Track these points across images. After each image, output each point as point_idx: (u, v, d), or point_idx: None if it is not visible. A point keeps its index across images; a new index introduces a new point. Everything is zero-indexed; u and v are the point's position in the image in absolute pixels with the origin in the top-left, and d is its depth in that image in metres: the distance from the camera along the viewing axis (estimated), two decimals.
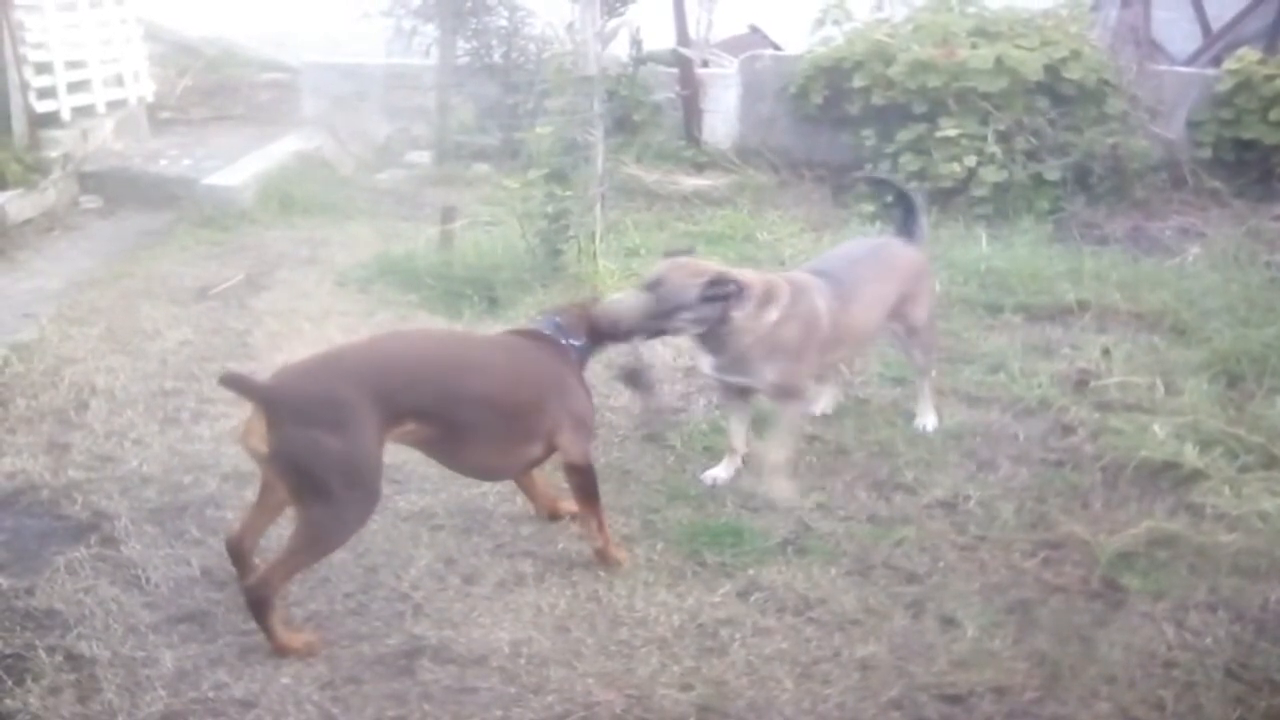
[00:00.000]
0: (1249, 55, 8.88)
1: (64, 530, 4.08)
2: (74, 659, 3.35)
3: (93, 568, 3.82)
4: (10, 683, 3.23)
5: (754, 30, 11.53)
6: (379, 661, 3.39)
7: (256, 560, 3.61)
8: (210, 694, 3.24)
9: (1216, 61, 9.75)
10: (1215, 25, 11.13)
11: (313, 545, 3.40)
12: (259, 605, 3.35)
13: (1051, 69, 8.58)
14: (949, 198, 8.35)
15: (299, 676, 3.31)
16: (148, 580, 3.76)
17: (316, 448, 3.29)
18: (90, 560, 3.85)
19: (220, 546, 3.93)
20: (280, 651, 3.37)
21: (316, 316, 6.16)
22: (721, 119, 9.85)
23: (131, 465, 4.52)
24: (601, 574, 3.82)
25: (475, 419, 3.64)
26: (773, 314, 4.30)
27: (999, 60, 8.50)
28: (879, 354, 5.78)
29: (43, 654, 3.36)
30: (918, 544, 4.06)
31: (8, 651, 3.38)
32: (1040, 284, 6.66)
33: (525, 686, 3.29)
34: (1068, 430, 4.98)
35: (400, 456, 4.47)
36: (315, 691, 3.25)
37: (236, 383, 3.44)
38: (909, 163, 8.55)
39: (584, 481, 3.85)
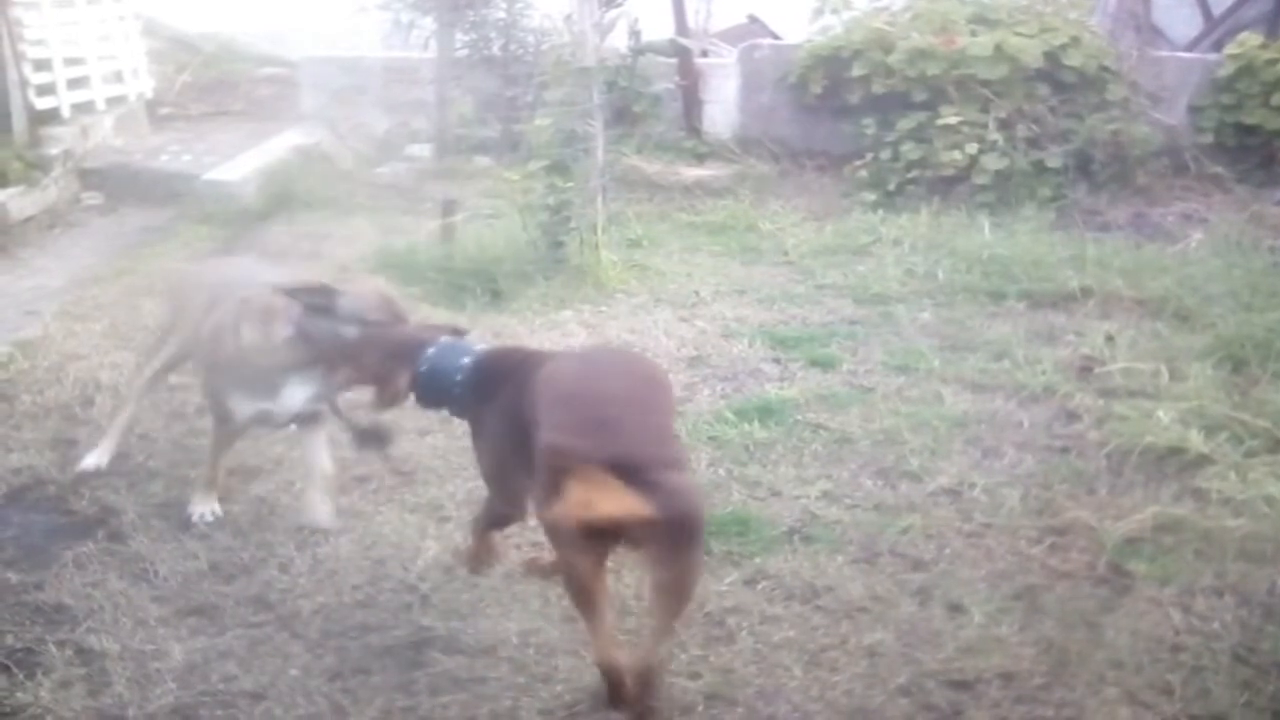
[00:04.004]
0: (1250, 40, 8.88)
1: (72, 525, 4.08)
2: (84, 653, 3.36)
3: (101, 562, 3.82)
4: (21, 676, 3.23)
5: (752, 20, 11.54)
6: (387, 653, 3.40)
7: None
8: (220, 686, 3.24)
9: (1218, 47, 9.74)
10: (1216, 10, 11.12)
11: (689, 597, 3.05)
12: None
13: (1051, 56, 8.59)
14: (951, 186, 8.35)
15: (308, 668, 3.31)
16: (156, 574, 3.76)
17: (692, 486, 3.02)
18: (98, 555, 3.85)
19: (227, 540, 3.96)
20: None
21: None
22: (721, 109, 9.84)
23: (137, 460, 4.53)
24: (608, 565, 3.81)
25: None
26: None
27: (998, 47, 8.50)
28: (882, 343, 5.80)
29: (53, 648, 3.36)
30: (924, 531, 4.06)
31: (18, 646, 3.38)
32: (1043, 271, 6.66)
33: (534, 676, 3.29)
34: (1072, 417, 4.98)
35: (406, 449, 4.50)
36: (324, 683, 3.26)
37: (574, 456, 2.87)
38: (910, 151, 8.55)
39: None
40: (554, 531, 2.99)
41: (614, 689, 3.06)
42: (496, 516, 3.56)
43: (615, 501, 2.81)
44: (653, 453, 2.95)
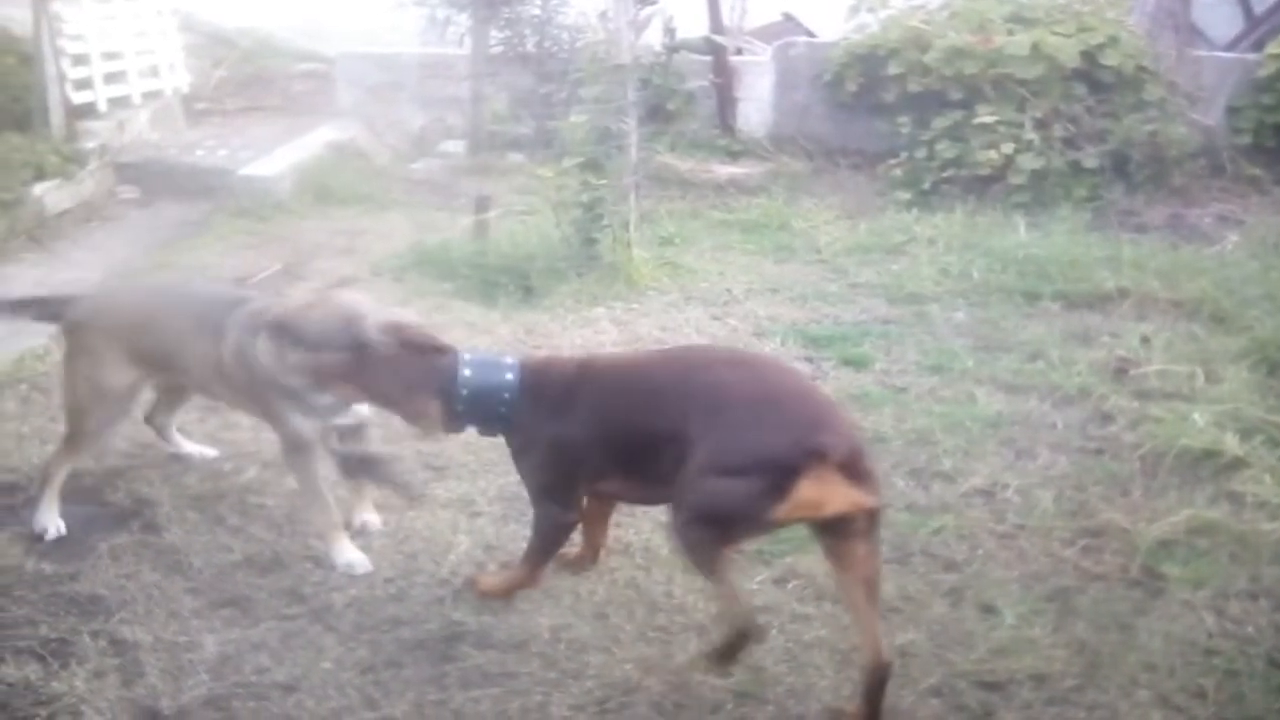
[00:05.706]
0: None
1: (107, 517, 4.11)
2: (118, 643, 3.39)
3: (135, 554, 3.85)
4: (56, 666, 3.26)
5: (787, 17, 11.50)
6: (419, 646, 3.41)
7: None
8: (252, 678, 3.26)
9: (1258, 46, 9.65)
10: (1258, 9, 11.01)
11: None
12: None
13: (1088, 55, 8.53)
14: (986, 185, 8.30)
15: (340, 661, 3.33)
16: (190, 566, 3.79)
17: None
18: (133, 546, 3.89)
19: (261, 532, 3.98)
20: None
21: None
22: (755, 107, 9.82)
23: (172, 452, 4.56)
24: (639, 561, 3.82)
25: None
26: None
27: (1035, 46, 8.45)
28: (915, 342, 5.77)
29: (87, 638, 3.39)
30: (956, 532, 4.04)
31: (53, 636, 3.42)
32: (1079, 272, 6.62)
33: (565, 672, 3.30)
34: (1107, 418, 4.94)
35: (437, 445, 4.51)
36: (356, 676, 3.27)
37: (811, 457, 2.92)
38: (945, 150, 8.51)
39: None
40: (752, 529, 3.06)
41: (740, 648, 3.11)
42: (559, 531, 3.53)
43: (845, 497, 2.91)
44: (859, 444, 3.03)
